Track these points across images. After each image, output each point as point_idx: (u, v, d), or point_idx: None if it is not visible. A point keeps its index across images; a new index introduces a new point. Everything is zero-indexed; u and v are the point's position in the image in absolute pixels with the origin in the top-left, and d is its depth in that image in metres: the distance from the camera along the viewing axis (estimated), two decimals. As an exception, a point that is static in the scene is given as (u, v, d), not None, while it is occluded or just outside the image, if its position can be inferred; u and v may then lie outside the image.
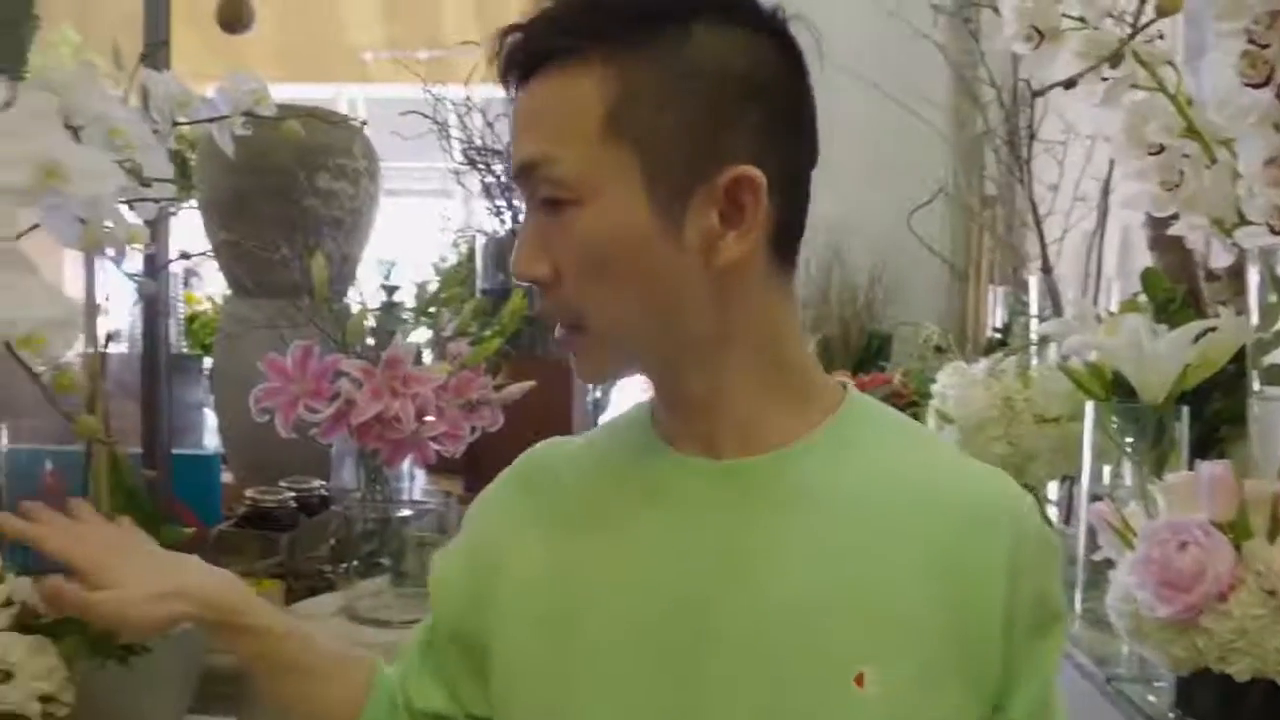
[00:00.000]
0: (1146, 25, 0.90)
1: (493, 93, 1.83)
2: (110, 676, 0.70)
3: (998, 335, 2.04)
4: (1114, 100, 0.98)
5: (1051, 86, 1.04)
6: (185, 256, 1.25)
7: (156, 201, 0.85)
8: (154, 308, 1.33)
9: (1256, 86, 0.77)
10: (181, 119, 1.02)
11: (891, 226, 2.28)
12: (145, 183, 0.77)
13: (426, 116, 1.78)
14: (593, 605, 0.66)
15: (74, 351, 1.19)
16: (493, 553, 0.71)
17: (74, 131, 0.78)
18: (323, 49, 4.80)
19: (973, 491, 0.65)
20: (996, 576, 0.61)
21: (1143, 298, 1.16)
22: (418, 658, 0.76)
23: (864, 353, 2.55)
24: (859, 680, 0.59)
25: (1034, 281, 1.53)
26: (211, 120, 1.04)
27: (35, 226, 0.72)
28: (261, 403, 1.26)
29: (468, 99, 1.79)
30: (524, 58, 0.63)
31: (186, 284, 2.58)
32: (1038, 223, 1.50)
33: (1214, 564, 0.68)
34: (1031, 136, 1.53)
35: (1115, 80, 0.96)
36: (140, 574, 0.69)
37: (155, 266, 1.30)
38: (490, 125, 1.79)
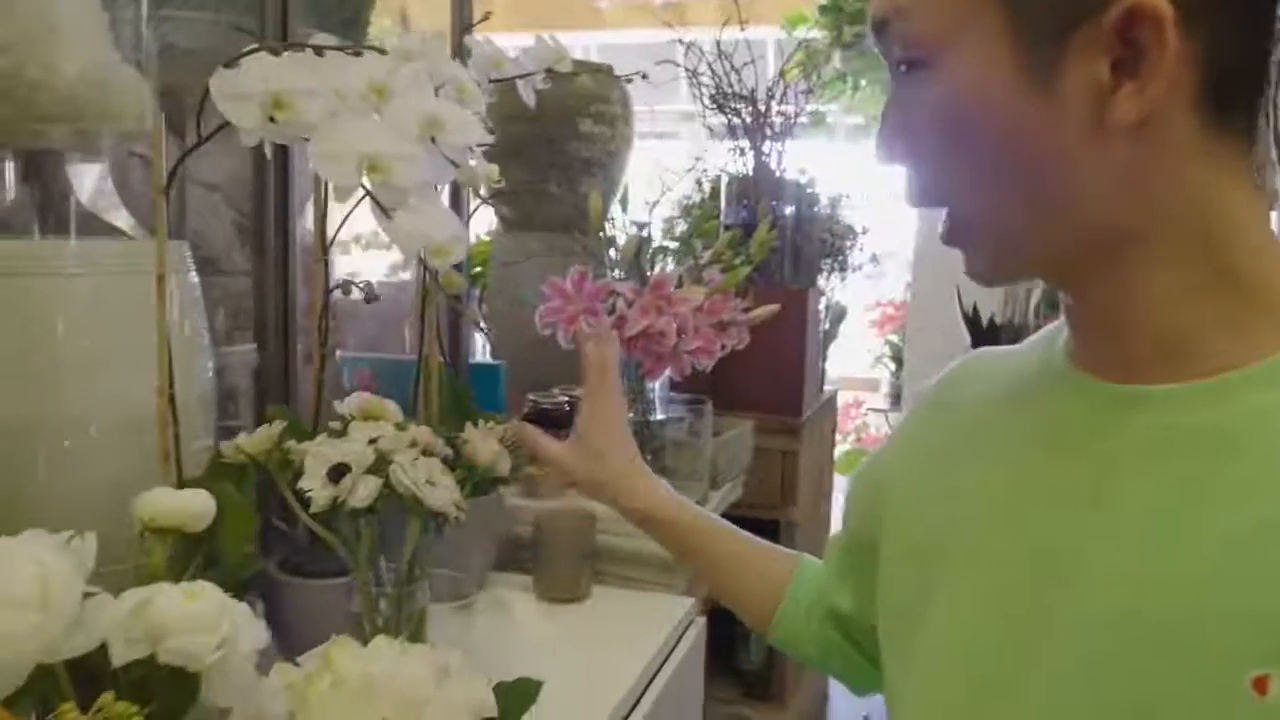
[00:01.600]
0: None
1: (732, 35, 1.97)
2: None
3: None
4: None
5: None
6: (495, 193, 1.45)
7: (486, 147, 1.05)
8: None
9: None
10: (495, 76, 1.22)
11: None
12: (491, 130, 0.96)
13: (678, 65, 1.94)
14: (956, 540, 0.58)
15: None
16: (890, 469, 0.68)
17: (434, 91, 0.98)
18: (560, -2, 5.05)
19: None
20: None
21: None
22: (834, 557, 0.78)
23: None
24: (1259, 684, 0.44)
25: (1275, 218, 1.54)
26: (519, 77, 1.23)
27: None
28: (545, 319, 1.47)
29: (719, 44, 1.93)
30: None
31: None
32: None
33: None
34: (1280, 70, 1.52)
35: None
36: (610, 450, 0.88)
37: (458, 205, 1.53)
38: (736, 71, 1.93)
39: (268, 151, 0.81)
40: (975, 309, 2.78)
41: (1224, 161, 0.49)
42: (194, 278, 1.02)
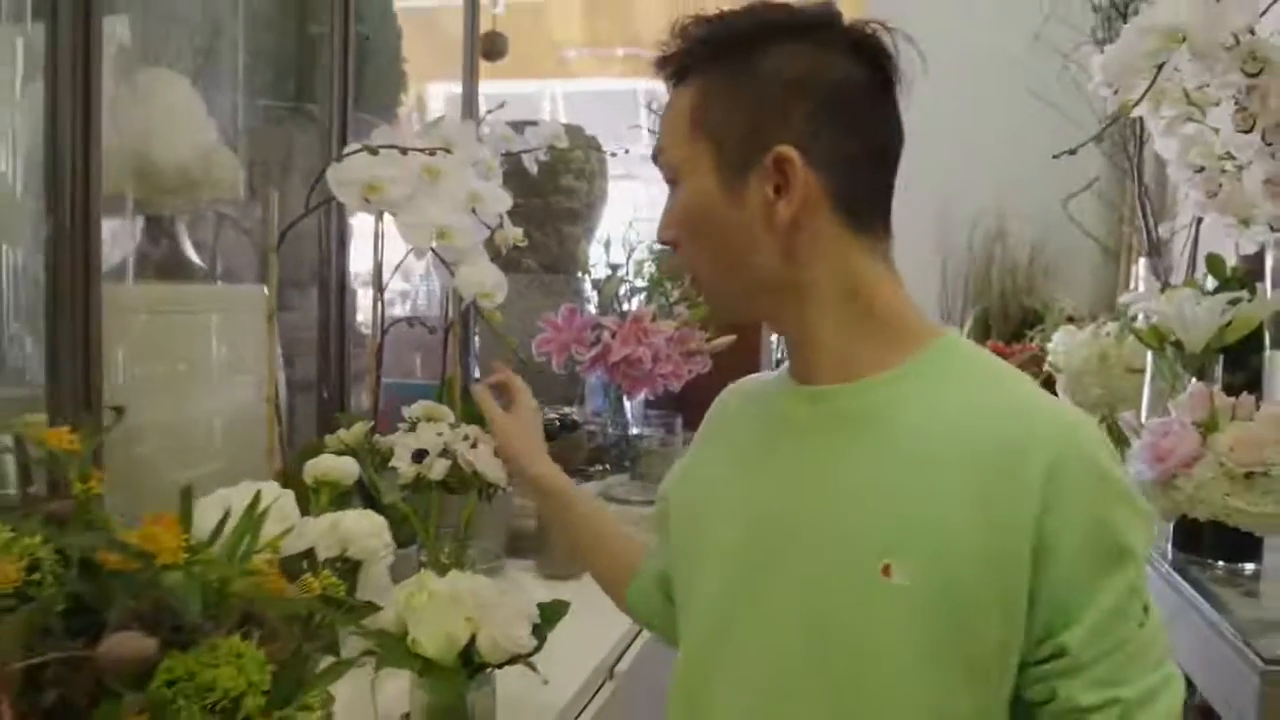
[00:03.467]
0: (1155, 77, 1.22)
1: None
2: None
3: (1130, 308, 2.36)
4: (1171, 132, 1.33)
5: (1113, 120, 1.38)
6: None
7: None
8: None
9: (1246, 133, 1.13)
10: (506, 151, 1.51)
11: (1055, 213, 2.65)
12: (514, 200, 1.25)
13: (644, 128, 2.24)
14: (713, 507, 0.82)
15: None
16: (678, 478, 0.91)
17: (466, 169, 1.26)
18: (528, 48, 5.32)
19: (1016, 426, 0.69)
20: (1026, 507, 0.66)
21: (1211, 278, 1.50)
22: (657, 537, 0.97)
23: (1022, 325, 2.88)
24: (886, 570, 0.68)
25: (1142, 262, 1.86)
26: (526, 152, 1.52)
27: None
28: (541, 348, 1.75)
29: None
30: (665, 79, 0.80)
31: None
32: (1143, 212, 1.83)
33: (1184, 445, 1.06)
34: (1140, 141, 1.85)
35: (1170, 118, 1.31)
36: (524, 431, 1.07)
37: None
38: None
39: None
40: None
41: (864, 245, 0.76)
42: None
